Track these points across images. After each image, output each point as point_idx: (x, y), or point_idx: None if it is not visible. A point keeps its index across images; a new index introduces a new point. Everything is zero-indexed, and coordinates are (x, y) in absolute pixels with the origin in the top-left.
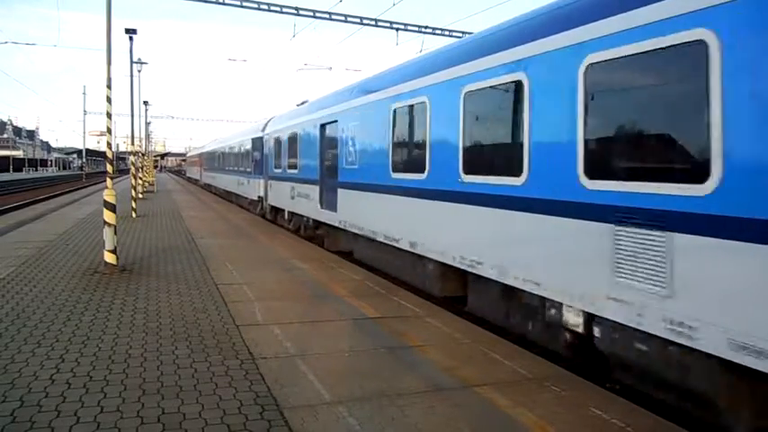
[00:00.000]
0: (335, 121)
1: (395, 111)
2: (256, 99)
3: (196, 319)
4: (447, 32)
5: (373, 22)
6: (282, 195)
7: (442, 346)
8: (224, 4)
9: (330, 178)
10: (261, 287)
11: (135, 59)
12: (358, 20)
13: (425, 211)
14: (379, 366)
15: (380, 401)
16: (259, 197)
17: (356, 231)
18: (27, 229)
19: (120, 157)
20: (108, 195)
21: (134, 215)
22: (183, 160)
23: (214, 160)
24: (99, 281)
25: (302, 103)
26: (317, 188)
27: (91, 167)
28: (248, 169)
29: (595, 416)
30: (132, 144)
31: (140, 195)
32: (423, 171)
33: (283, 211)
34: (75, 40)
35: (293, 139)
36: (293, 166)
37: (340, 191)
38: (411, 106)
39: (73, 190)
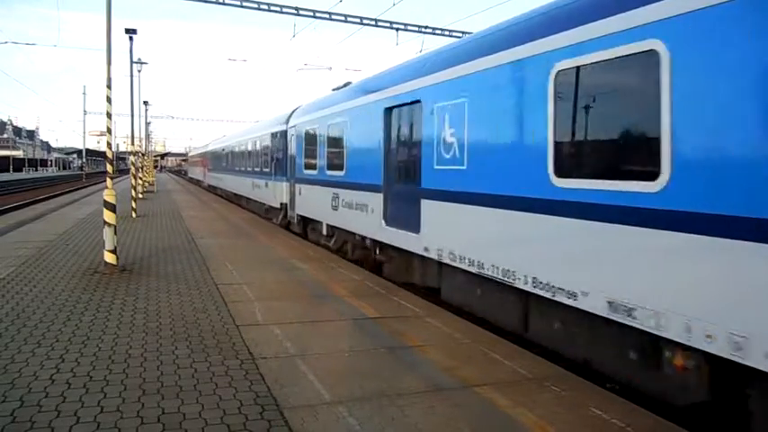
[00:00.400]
0: (416, 102)
1: (559, 75)
2: (256, 99)
3: (196, 319)
4: (447, 32)
5: (373, 22)
6: (319, 204)
7: (442, 346)
8: (224, 4)
9: (403, 183)
10: (261, 287)
11: (135, 59)
12: (358, 20)
13: (669, 255)
14: (379, 366)
15: (380, 401)
16: (282, 204)
17: (465, 268)
18: (27, 229)
19: (120, 157)
20: (108, 195)
21: (134, 215)
22: (184, 160)
23: (221, 159)
24: (99, 281)
25: (344, 86)
26: (378, 197)
27: (91, 167)
28: (266, 170)
29: (595, 416)
30: (132, 144)
31: (140, 195)
32: (652, 177)
33: (318, 223)
34: (76, 40)
35: (336, 131)
36: (337, 167)
37: (426, 203)
38: (607, 63)
39: (73, 190)
